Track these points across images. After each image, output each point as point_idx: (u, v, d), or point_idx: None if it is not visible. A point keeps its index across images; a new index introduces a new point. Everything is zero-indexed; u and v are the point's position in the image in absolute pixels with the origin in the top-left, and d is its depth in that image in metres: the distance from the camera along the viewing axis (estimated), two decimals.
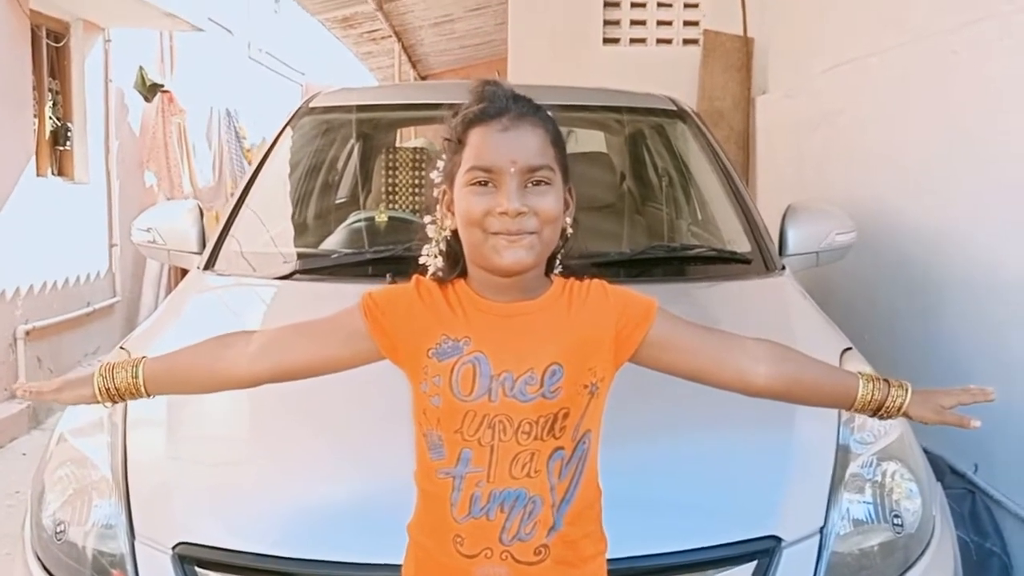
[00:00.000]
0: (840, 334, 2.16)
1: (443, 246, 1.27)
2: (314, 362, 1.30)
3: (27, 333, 5.32)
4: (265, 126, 9.50)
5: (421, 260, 1.28)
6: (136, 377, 1.31)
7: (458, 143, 1.23)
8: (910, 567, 1.64)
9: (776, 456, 1.70)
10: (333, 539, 1.49)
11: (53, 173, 6.00)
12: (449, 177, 1.25)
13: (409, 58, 11.87)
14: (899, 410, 1.31)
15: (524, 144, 1.18)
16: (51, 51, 6.00)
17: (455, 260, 1.26)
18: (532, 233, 1.18)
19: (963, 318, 3.09)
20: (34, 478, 1.83)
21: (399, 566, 1.30)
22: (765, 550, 1.53)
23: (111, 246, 6.64)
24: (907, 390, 1.31)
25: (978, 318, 2.99)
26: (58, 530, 1.67)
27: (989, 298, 2.92)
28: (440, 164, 1.27)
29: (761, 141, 5.49)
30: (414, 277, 1.28)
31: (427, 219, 1.30)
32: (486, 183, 1.18)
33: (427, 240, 1.29)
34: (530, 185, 1.18)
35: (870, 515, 1.66)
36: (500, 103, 1.21)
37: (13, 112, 5.26)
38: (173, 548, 1.54)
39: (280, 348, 1.31)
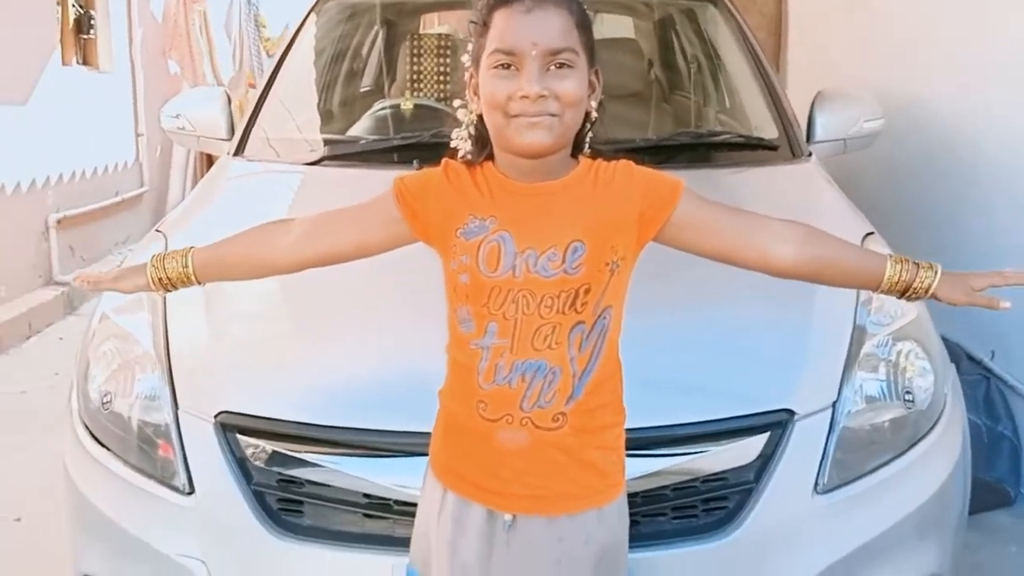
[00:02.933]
0: (863, 219, 2.16)
1: (472, 130, 1.29)
2: (354, 247, 1.36)
3: (58, 222, 5.39)
4: (286, 15, 9.34)
5: (452, 144, 1.31)
6: (186, 267, 1.38)
7: (483, 26, 1.23)
8: (918, 441, 1.69)
9: (793, 333, 1.73)
10: (368, 408, 1.56)
11: (78, 62, 5.97)
12: (475, 61, 1.26)
13: None
14: (927, 291, 1.30)
15: (546, 26, 1.19)
16: None
17: (483, 143, 1.28)
18: (553, 115, 1.19)
19: (990, 207, 3.07)
20: (79, 354, 1.91)
21: (429, 433, 1.37)
22: (778, 422, 1.58)
23: (137, 136, 6.65)
24: (936, 271, 1.30)
25: (1007, 207, 2.98)
26: (104, 401, 1.76)
27: (1019, 186, 2.90)
28: (470, 48, 1.28)
29: (794, 27, 5.34)
30: (443, 160, 1.31)
31: (457, 103, 1.32)
32: (508, 66, 1.20)
33: (453, 127, 1.31)
34: (552, 68, 1.19)
35: (883, 392, 1.70)
36: None
37: None
38: (215, 417, 1.62)
39: (321, 235, 1.37)
